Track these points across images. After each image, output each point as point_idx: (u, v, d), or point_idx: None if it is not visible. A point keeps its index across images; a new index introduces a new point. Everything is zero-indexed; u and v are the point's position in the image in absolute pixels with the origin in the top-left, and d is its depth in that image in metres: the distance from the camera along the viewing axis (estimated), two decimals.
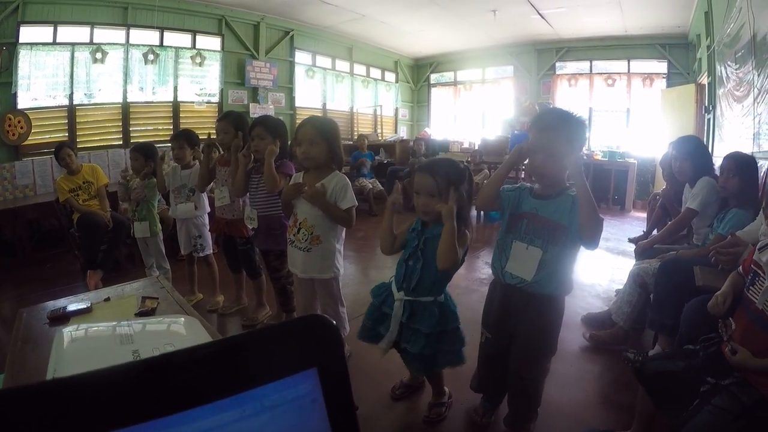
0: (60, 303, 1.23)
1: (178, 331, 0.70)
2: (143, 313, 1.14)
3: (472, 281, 3.63)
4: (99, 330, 0.67)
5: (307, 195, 1.99)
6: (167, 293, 1.30)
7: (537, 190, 1.62)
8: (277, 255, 2.54)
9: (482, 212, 5.99)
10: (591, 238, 1.45)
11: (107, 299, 1.26)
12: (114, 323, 0.68)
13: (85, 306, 1.17)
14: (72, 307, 1.17)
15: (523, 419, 1.76)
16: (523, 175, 6.04)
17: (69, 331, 0.66)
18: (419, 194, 1.67)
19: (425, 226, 1.71)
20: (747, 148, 3.39)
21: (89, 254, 3.61)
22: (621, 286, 3.32)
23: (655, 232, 3.45)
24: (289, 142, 2.57)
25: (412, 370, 1.89)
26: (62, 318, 1.12)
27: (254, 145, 2.42)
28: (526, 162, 1.67)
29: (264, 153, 2.31)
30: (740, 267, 1.45)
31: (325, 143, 2.03)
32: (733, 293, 1.41)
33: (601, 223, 1.45)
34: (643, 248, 2.79)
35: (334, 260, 2.11)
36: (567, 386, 2.14)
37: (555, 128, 1.52)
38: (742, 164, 2.34)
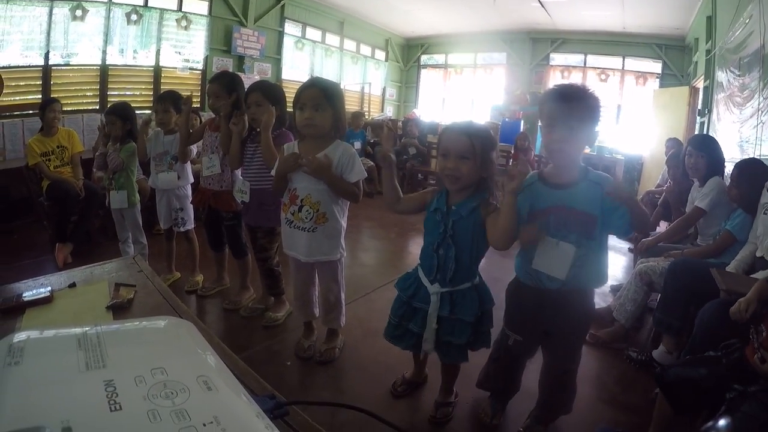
0: (16, 288, 1.04)
1: (167, 344, 0.53)
2: (116, 307, 0.96)
3: None
4: (57, 340, 0.51)
5: (312, 167, 1.76)
6: (146, 279, 1.10)
7: (552, 179, 1.45)
8: (267, 232, 2.35)
9: None
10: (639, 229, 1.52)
11: (72, 285, 1.07)
12: (79, 330, 0.52)
13: (45, 294, 0.98)
14: (29, 295, 0.98)
15: (561, 412, 1.68)
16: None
17: (17, 342, 0.50)
18: (447, 156, 1.48)
19: (450, 207, 1.53)
20: (747, 153, 3.36)
21: (58, 225, 3.36)
22: (616, 283, 3.28)
23: (659, 229, 3.39)
24: None
25: (448, 362, 1.71)
26: (16, 308, 0.93)
27: (251, 113, 2.20)
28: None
29: (261, 121, 2.09)
30: None
31: (331, 109, 1.83)
32: (757, 301, 1.37)
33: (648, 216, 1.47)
34: (647, 246, 2.71)
35: (340, 240, 1.95)
36: None
37: (574, 100, 1.36)
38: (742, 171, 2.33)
